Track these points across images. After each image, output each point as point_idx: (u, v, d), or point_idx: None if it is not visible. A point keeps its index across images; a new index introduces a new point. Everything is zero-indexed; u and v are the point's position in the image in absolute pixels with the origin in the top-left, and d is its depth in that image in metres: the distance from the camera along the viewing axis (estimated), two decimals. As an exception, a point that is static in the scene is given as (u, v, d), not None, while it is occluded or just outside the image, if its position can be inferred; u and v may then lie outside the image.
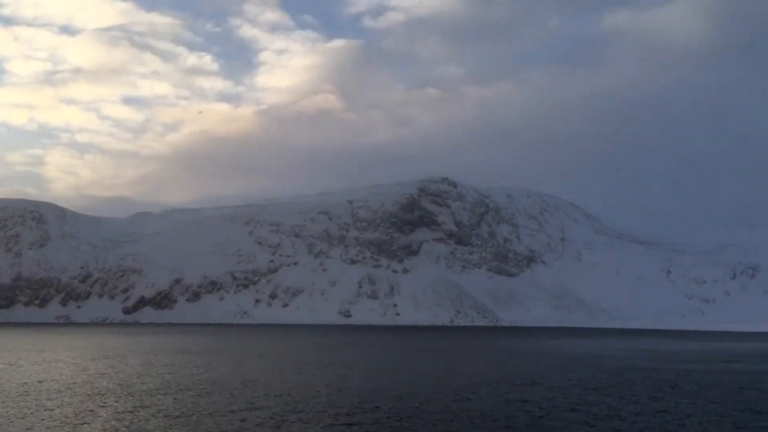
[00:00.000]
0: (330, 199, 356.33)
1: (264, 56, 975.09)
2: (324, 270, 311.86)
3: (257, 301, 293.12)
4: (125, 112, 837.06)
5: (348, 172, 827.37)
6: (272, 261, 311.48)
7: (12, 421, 22.79)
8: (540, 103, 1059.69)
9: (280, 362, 55.03)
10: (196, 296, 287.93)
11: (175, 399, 30.00)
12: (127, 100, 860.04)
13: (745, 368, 54.53)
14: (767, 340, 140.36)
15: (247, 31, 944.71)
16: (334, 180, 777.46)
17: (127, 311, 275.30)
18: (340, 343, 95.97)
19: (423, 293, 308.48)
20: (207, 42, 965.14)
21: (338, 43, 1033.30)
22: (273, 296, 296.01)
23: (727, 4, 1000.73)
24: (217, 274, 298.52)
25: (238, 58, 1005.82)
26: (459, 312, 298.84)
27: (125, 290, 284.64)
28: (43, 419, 24.14)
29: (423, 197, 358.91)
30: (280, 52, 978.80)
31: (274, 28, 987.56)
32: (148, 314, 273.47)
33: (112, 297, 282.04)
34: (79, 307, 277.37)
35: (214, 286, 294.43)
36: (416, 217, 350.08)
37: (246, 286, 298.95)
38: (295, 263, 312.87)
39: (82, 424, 23.78)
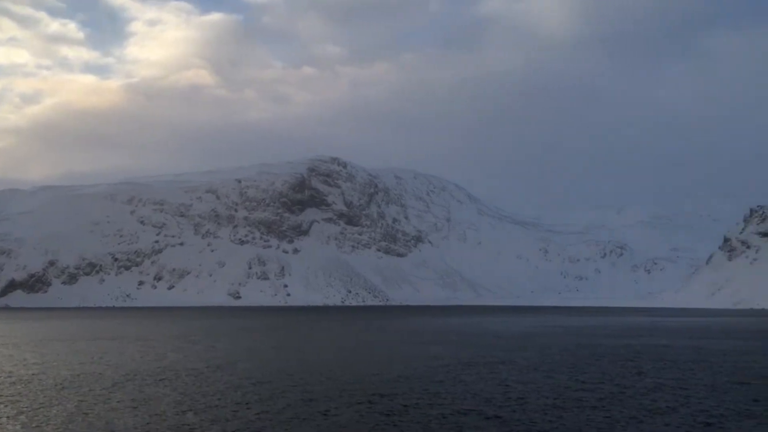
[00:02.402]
0: (217, 178, 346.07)
1: (135, 26, 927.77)
2: (212, 250, 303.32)
3: (141, 283, 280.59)
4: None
5: (223, 150, 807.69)
6: (156, 241, 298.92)
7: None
8: (417, 85, 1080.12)
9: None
10: (72, 279, 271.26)
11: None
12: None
13: (673, 343, 58.14)
14: (647, 315, 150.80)
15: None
16: (212, 158, 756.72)
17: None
18: (232, 326, 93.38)
19: (314, 274, 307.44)
20: (71, 8, 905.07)
21: (215, 16, 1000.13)
22: (158, 278, 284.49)
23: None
24: (96, 255, 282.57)
25: (107, 28, 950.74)
26: (350, 292, 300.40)
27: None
28: None
29: (313, 177, 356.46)
30: (153, 23, 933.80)
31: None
32: (19, 298, 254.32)
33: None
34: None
35: (92, 268, 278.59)
36: (306, 197, 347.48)
37: (128, 268, 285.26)
38: (181, 243, 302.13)
39: None
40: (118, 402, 24.99)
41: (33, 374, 33.36)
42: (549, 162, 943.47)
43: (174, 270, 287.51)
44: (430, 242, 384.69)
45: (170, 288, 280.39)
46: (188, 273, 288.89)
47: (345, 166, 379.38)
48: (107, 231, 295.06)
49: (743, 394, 26.80)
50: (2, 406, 24.22)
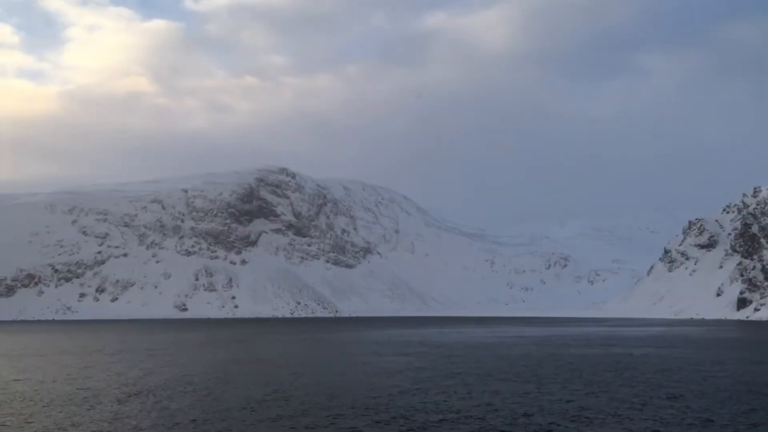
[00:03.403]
0: (162, 187, 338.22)
1: (72, 32, 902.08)
2: (157, 262, 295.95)
3: (82, 295, 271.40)
4: None
5: (164, 159, 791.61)
6: (99, 252, 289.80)
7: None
8: (360, 97, 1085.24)
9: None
10: (9, 291, 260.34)
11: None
12: None
13: (631, 351, 59.44)
14: (601, 325, 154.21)
15: (53, 3, 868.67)
16: (154, 167, 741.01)
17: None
18: (177, 340, 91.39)
19: (262, 285, 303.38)
20: (6, 12, 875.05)
21: (156, 23, 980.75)
22: (100, 290, 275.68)
23: (531, 16, 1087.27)
24: (34, 266, 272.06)
25: (43, 32, 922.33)
26: (299, 303, 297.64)
27: None
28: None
29: (261, 187, 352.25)
30: (91, 28, 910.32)
31: (85, 2, 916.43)
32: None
33: None
34: None
35: (31, 280, 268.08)
36: (254, 208, 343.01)
37: (69, 280, 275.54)
38: (125, 254, 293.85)
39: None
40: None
41: None
42: (492, 175, 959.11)
43: (117, 281, 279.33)
44: (378, 253, 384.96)
45: (113, 300, 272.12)
46: (132, 285, 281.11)
47: (293, 177, 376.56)
48: (47, 241, 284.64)
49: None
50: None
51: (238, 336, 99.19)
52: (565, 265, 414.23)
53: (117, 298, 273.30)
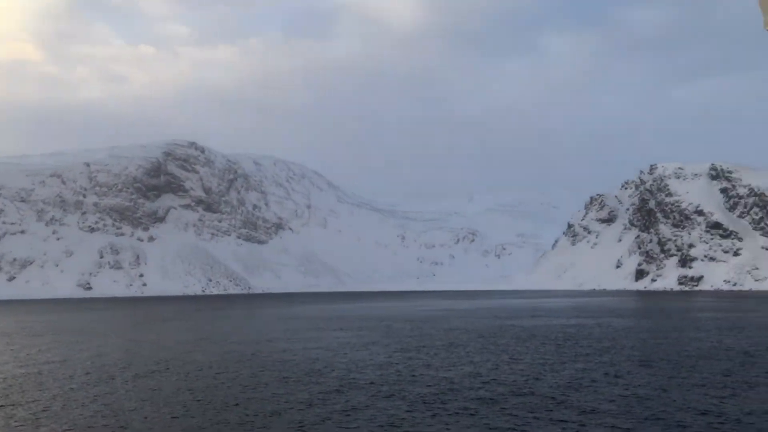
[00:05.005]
0: (63, 161, 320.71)
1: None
2: (58, 239, 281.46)
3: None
4: None
5: (58, 133, 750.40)
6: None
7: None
8: (264, 70, 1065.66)
9: None
10: None
11: None
12: None
13: (569, 322, 62.08)
14: (511, 297, 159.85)
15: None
16: (48, 139, 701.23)
17: None
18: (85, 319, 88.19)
19: (171, 262, 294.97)
20: None
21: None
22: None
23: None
24: None
25: None
26: (211, 280, 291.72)
27: None
28: None
29: (169, 162, 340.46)
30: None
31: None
32: None
33: None
34: None
35: None
36: (162, 183, 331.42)
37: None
38: (22, 231, 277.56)
39: None
40: None
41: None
42: (401, 151, 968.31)
43: (15, 260, 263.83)
44: (291, 229, 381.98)
45: (10, 279, 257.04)
46: (31, 263, 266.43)
47: (203, 151, 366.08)
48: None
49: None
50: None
51: (155, 315, 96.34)
52: (473, 240, 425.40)
53: (14, 278, 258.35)
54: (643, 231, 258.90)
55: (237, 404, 22.83)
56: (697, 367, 29.65)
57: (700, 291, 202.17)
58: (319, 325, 63.26)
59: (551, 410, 20.88)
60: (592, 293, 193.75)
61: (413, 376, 28.04)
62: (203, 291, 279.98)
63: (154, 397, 24.53)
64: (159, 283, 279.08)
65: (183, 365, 33.30)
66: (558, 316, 70.44)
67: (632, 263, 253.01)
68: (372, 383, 26.29)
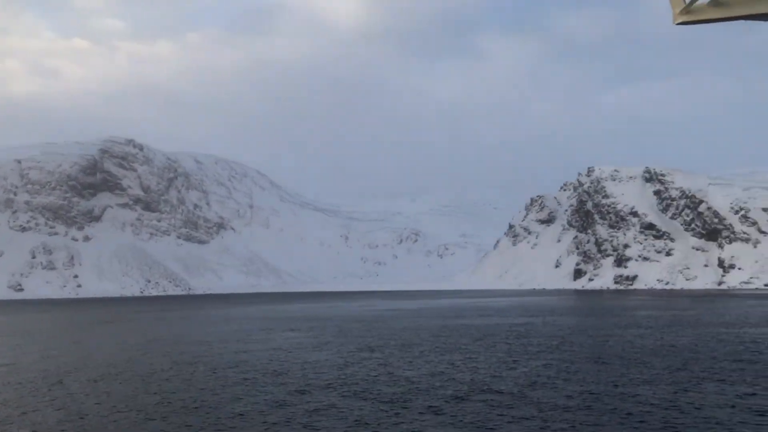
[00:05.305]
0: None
1: None
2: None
3: None
4: None
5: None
6: None
7: None
8: (205, 67, 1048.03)
9: None
10: None
11: None
12: None
13: (518, 321, 63.23)
14: (457, 297, 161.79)
15: None
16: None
17: None
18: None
19: (108, 263, 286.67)
20: None
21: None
22: None
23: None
24: None
25: None
26: (149, 281, 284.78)
27: None
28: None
29: (106, 159, 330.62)
30: None
31: None
32: None
33: None
34: None
35: None
36: (98, 181, 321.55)
37: None
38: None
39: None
40: None
41: None
42: (345, 150, 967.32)
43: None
44: (233, 229, 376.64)
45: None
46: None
47: (141, 149, 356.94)
48: None
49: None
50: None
51: (94, 318, 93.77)
52: (416, 240, 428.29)
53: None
54: (581, 232, 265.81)
55: (197, 407, 22.54)
56: (646, 363, 30.77)
57: (635, 290, 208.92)
58: (269, 326, 62.74)
59: (512, 407, 21.37)
60: (533, 292, 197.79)
61: (374, 375, 28.20)
62: (142, 292, 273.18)
63: (112, 401, 23.98)
64: (95, 285, 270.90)
65: (137, 368, 32.60)
66: (505, 315, 71.79)
67: (570, 263, 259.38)
68: (332, 384, 26.33)
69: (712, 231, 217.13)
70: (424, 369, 29.82)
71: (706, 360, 31.63)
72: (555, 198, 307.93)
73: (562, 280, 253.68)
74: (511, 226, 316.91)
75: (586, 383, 25.41)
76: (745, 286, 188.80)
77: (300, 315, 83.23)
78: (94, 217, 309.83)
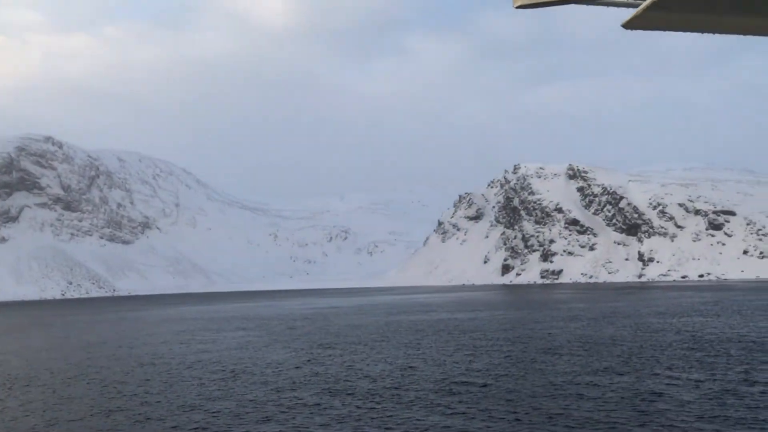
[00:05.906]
0: None
1: None
2: None
3: None
4: None
5: None
6: None
7: None
8: (125, 62, 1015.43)
9: None
10: None
11: None
12: None
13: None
14: (390, 294, 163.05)
15: None
16: None
17: None
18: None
19: (26, 265, 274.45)
20: None
21: None
22: None
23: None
24: None
25: None
26: (71, 283, 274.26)
27: None
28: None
29: (23, 157, 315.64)
30: None
31: None
32: None
33: None
34: None
35: None
36: (15, 180, 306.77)
37: None
38: None
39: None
40: None
41: None
42: (272, 149, 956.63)
43: None
44: (158, 228, 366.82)
45: None
46: None
47: (60, 147, 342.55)
48: None
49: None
50: None
51: (15, 323, 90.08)
52: (346, 238, 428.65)
53: None
54: (508, 228, 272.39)
55: (172, 412, 22.30)
56: (597, 352, 32.27)
57: (561, 284, 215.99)
58: (208, 326, 61.94)
59: (484, 397, 22.16)
60: (463, 288, 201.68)
61: (341, 372, 28.49)
62: (63, 295, 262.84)
63: (66, 408, 23.38)
64: (12, 288, 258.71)
65: (82, 374, 31.75)
66: (450, 311, 73.15)
67: (498, 258, 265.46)
68: (300, 382, 26.50)
69: (633, 226, 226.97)
70: (389, 364, 30.34)
71: (650, 348, 33.42)
72: (483, 195, 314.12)
73: (490, 275, 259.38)
74: (440, 223, 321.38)
75: (547, 374, 26.51)
76: (663, 279, 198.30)
77: (239, 315, 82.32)
78: (10, 218, 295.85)
